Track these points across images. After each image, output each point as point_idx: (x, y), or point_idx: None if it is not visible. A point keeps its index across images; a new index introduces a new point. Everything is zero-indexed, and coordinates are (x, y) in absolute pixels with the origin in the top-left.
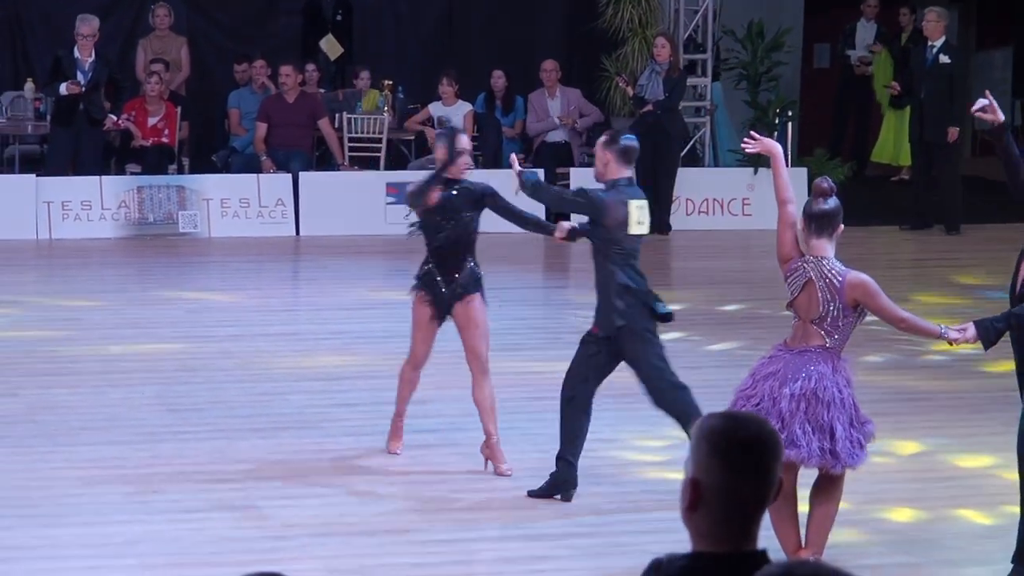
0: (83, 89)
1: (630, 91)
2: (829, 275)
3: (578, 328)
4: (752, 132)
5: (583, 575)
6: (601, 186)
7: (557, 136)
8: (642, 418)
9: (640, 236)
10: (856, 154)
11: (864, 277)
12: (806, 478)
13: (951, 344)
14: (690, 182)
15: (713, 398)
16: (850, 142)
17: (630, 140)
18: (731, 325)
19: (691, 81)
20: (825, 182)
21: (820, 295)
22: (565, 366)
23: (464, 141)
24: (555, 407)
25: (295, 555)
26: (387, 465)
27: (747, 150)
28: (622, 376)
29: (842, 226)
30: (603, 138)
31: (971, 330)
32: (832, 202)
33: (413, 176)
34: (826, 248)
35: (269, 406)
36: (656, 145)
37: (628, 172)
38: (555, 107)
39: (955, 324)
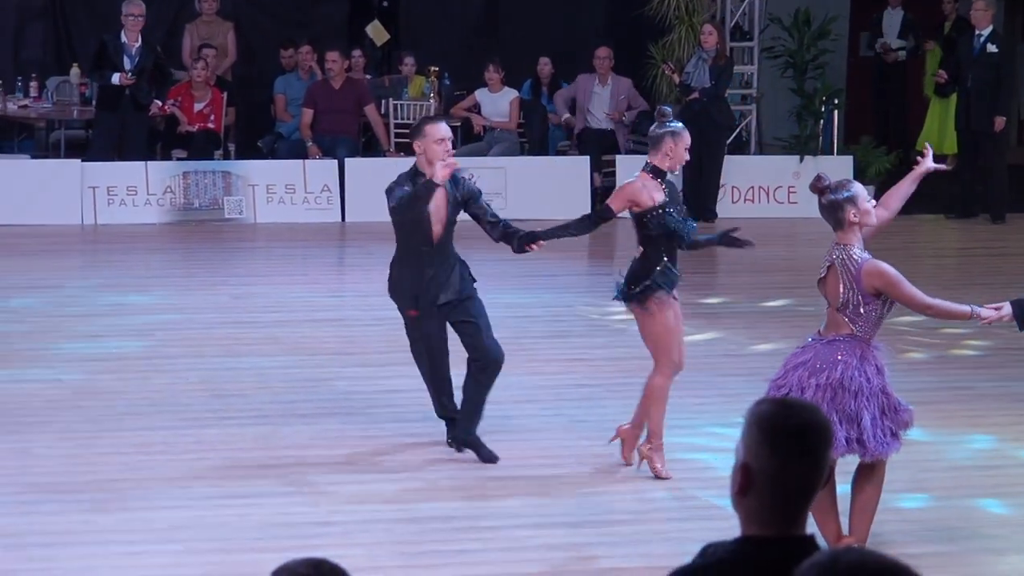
0: (133, 79)
1: (677, 79)
2: (848, 262)
3: (624, 315)
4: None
5: (627, 562)
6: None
7: (602, 123)
8: (683, 404)
9: None
10: (898, 142)
11: (882, 265)
12: (848, 466)
13: (985, 323)
14: (736, 170)
15: (756, 386)
16: (891, 130)
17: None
18: (774, 313)
19: (737, 69)
20: (818, 180)
21: (841, 282)
22: (611, 353)
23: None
24: (601, 394)
25: (339, 541)
26: (431, 452)
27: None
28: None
29: (856, 214)
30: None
31: (1007, 308)
32: (831, 196)
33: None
34: (846, 236)
35: (314, 392)
36: (702, 133)
37: None
38: (605, 94)
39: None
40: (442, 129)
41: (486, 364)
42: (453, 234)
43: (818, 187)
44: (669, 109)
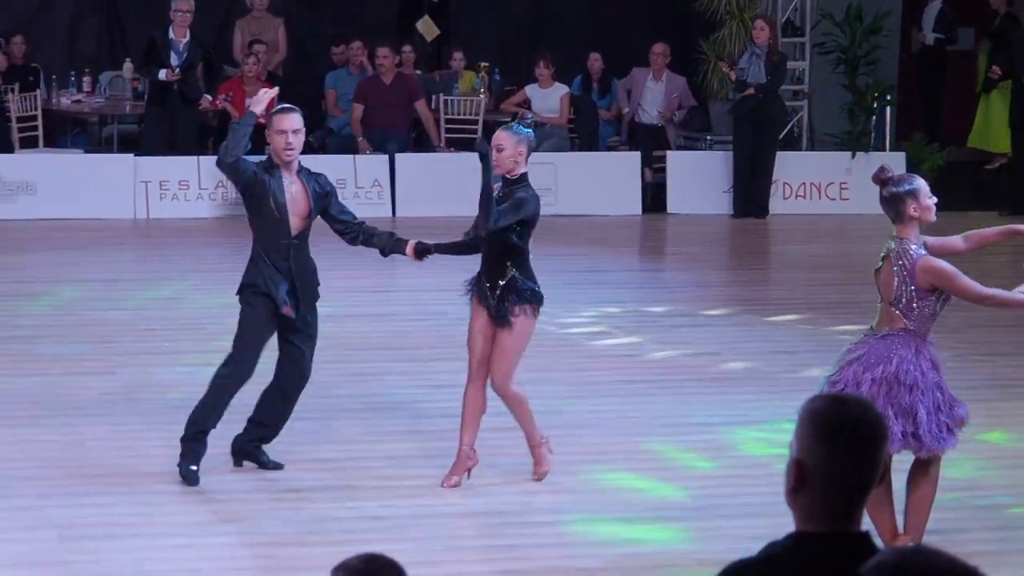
0: (179, 75)
1: (733, 75)
2: (904, 256)
3: (675, 311)
4: None
5: (679, 558)
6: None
7: (653, 118)
8: (735, 402)
9: None
10: (948, 139)
11: (936, 261)
12: (903, 463)
13: None
14: (788, 166)
15: (805, 384)
16: (940, 126)
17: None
18: (827, 309)
19: (788, 64)
20: (881, 171)
21: (895, 276)
22: (660, 349)
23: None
24: (650, 390)
25: (391, 535)
26: (482, 448)
27: None
28: (715, 360)
29: (917, 209)
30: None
31: None
32: (893, 189)
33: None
34: (905, 230)
35: (365, 387)
36: (755, 129)
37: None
38: (658, 90)
39: None
40: (282, 120)
41: (300, 385)
42: (308, 234)
43: (881, 178)
44: (531, 115)
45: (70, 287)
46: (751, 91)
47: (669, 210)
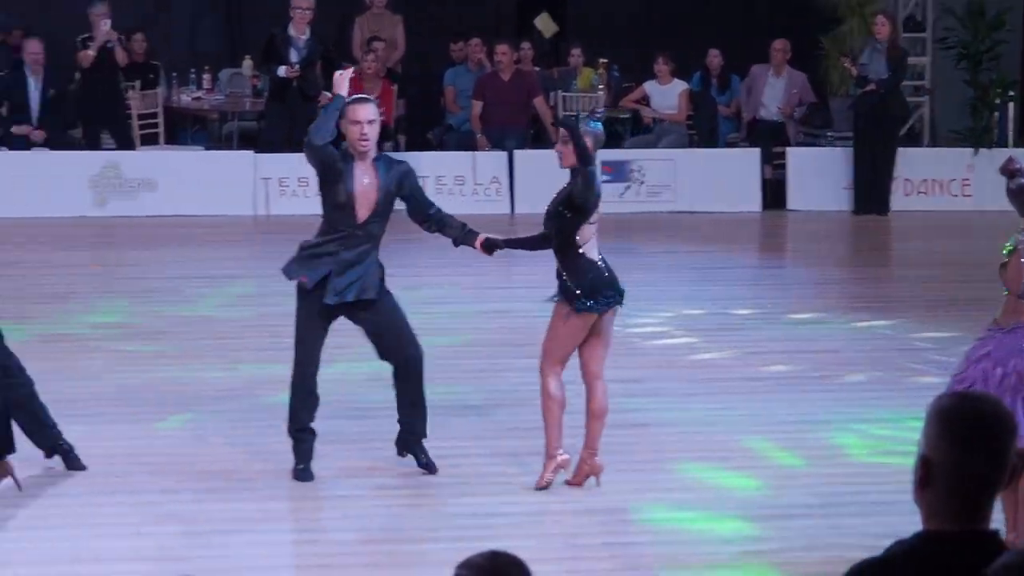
0: (299, 71)
1: (855, 71)
2: None
3: (795, 308)
4: None
5: (800, 556)
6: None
7: (774, 115)
8: (856, 400)
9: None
10: None
11: None
12: None
13: None
14: (909, 162)
15: (928, 383)
16: None
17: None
18: (949, 307)
19: (910, 60)
20: (1009, 162)
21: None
22: (781, 346)
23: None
24: (771, 387)
25: (511, 532)
26: (602, 442)
27: None
28: (830, 357)
29: None
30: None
31: None
32: (1021, 180)
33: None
34: None
35: (485, 383)
36: (876, 125)
37: None
38: (779, 86)
39: None
40: (357, 111)
41: (413, 370)
42: (383, 228)
43: (1009, 169)
44: (603, 109)
45: (191, 283)
46: (872, 87)
47: (789, 207)
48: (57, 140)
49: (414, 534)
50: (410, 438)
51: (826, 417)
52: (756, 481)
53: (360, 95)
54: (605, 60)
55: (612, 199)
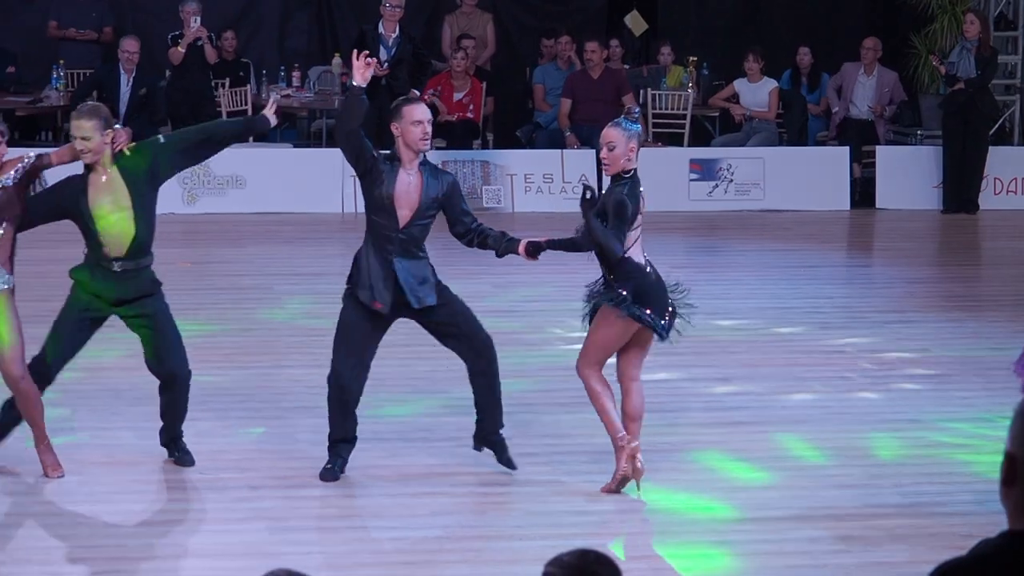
0: (388, 69)
1: (943, 69)
2: None
3: (884, 307)
4: None
5: (892, 556)
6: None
7: (863, 113)
8: (946, 399)
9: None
10: None
11: None
12: None
13: None
14: (999, 161)
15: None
16: None
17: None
18: None
19: (1001, 58)
20: None
21: None
22: (870, 345)
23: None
24: (861, 385)
25: (597, 530)
26: (690, 440)
27: None
28: (919, 356)
29: None
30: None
31: None
32: None
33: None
34: None
35: (574, 381)
36: (966, 123)
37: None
38: (869, 84)
39: None
40: (420, 111)
41: (486, 363)
42: (425, 232)
43: None
44: (637, 109)
45: (279, 281)
46: (960, 86)
47: (878, 205)
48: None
49: (503, 531)
50: (488, 432)
51: (916, 416)
52: (845, 479)
53: (409, 96)
54: (695, 58)
55: (701, 197)
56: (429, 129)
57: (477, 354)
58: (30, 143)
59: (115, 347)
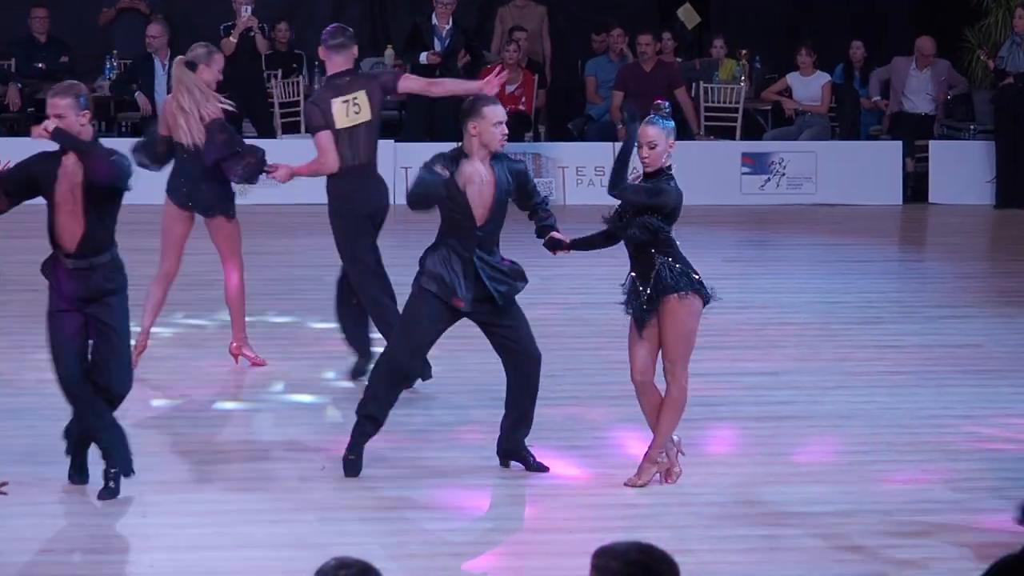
0: (441, 60)
1: (991, 64)
2: None
3: (936, 302)
4: None
5: (943, 552)
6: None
7: (917, 107)
8: (998, 395)
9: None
10: None
11: None
12: None
13: None
14: None
15: None
16: None
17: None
18: None
19: None
20: None
21: None
22: (923, 340)
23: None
24: (913, 381)
25: (646, 523)
26: (739, 435)
27: None
28: (971, 352)
29: None
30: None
31: None
32: None
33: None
34: None
35: (622, 373)
36: (1017, 118)
37: None
38: (923, 78)
39: None
40: (500, 112)
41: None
42: (501, 223)
43: None
44: (667, 104)
45: (331, 272)
46: (1010, 80)
47: (931, 200)
48: None
49: (551, 523)
50: (509, 448)
51: (967, 412)
52: (895, 474)
53: (486, 95)
54: (746, 51)
55: (753, 191)
56: (506, 131)
57: (521, 371)
58: None
59: (170, 334)
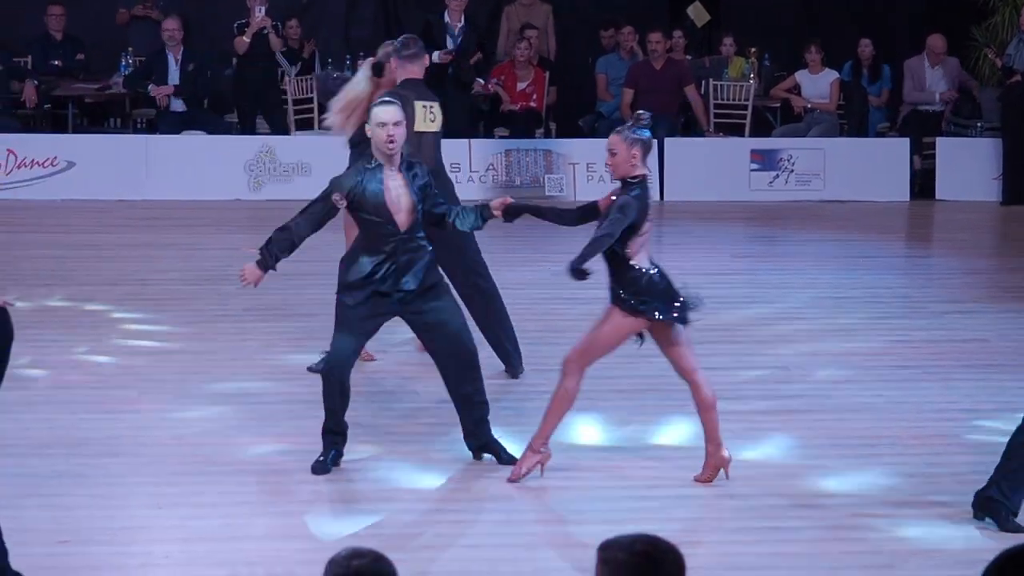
0: (453, 57)
1: (999, 62)
2: None
3: (943, 298)
4: None
5: (948, 543)
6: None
7: (932, 106)
8: (1004, 389)
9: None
10: None
11: None
12: None
13: None
14: None
15: None
16: None
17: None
18: None
19: None
20: None
21: None
22: (930, 335)
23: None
24: (920, 376)
25: (654, 516)
26: (752, 429)
27: None
28: (977, 346)
29: None
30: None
31: None
32: None
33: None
34: None
35: (632, 368)
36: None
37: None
38: (938, 75)
39: None
40: (386, 113)
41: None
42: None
43: None
44: (647, 114)
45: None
46: (1017, 78)
47: (938, 196)
48: (195, 114)
49: (562, 515)
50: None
51: (973, 405)
52: (902, 466)
53: (384, 97)
54: (756, 49)
55: (761, 187)
56: (393, 131)
57: (459, 364)
58: (98, 129)
59: (181, 328)
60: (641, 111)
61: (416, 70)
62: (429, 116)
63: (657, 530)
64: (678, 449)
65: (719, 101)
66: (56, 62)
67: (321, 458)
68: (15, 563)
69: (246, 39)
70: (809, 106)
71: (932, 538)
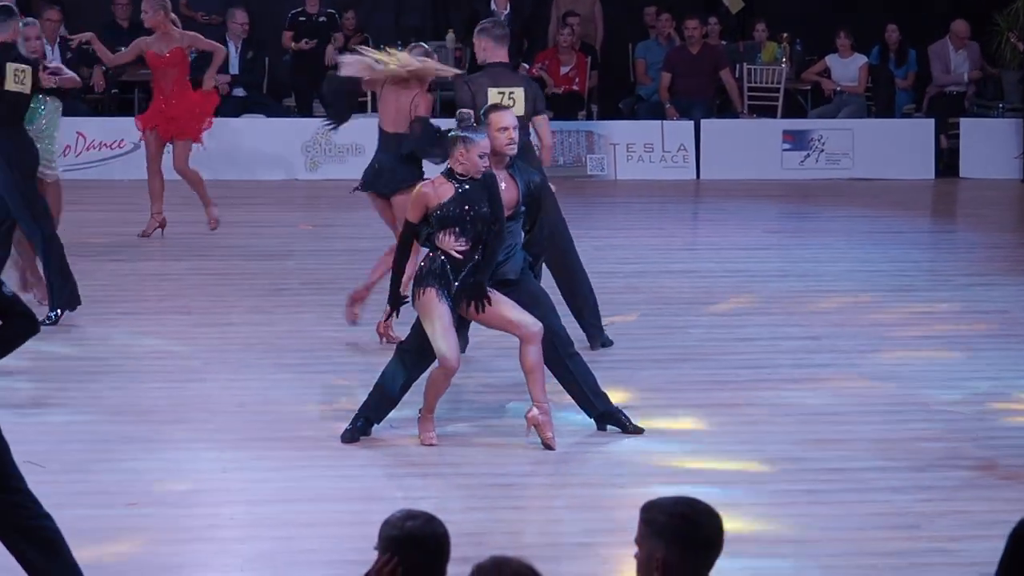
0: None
1: (1020, 45)
2: None
3: (966, 271)
4: None
5: (970, 505)
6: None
7: (958, 87)
8: None
9: None
10: None
11: None
12: None
13: None
14: None
15: None
16: None
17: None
18: None
19: None
20: None
21: None
22: (953, 307)
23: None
24: (945, 345)
25: (693, 479)
26: (779, 396)
27: None
28: (999, 317)
29: None
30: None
31: None
32: None
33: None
34: None
35: (670, 338)
36: None
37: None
38: (961, 59)
39: None
40: (506, 118)
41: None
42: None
43: None
44: (469, 112)
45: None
46: None
47: (961, 174)
48: (255, 99)
49: (604, 478)
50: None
51: (995, 374)
52: (926, 432)
53: (498, 103)
54: (788, 34)
55: (793, 166)
56: (514, 135)
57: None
58: None
59: (243, 301)
60: (463, 110)
61: (503, 53)
62: (507, 102)
63: (693, 492)
64: (713, 416)
65: (752, 84)
66: (122, 49)
67: (350, 427)
68: (85, 525)
69: (294, 44)
70: (839, 89)
71: (956, 501)
